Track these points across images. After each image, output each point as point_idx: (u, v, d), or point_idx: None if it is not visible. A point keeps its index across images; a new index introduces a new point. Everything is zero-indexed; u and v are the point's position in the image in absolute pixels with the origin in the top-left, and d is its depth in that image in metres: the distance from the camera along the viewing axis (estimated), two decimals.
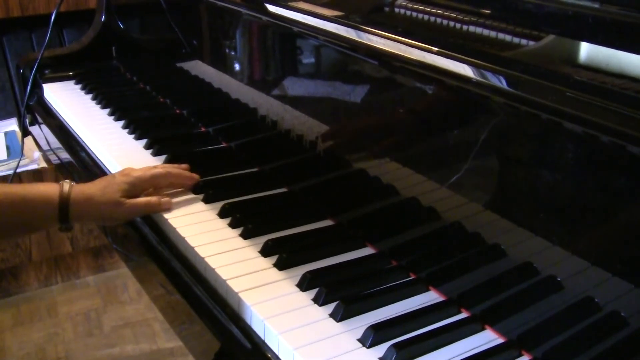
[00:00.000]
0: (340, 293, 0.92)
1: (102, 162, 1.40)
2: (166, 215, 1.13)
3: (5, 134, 2.58)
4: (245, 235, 1.07)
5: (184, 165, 1.26)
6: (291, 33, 1.19)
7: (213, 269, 0.98)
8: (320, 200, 1.17)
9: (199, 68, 1.59)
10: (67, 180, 1.12)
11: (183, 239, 1.06)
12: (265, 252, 1.02)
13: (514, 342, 0.84)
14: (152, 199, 1.15)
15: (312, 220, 1.12)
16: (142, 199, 1.15)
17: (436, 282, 0.95)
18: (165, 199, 1.16)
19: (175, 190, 1.21)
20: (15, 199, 1.07)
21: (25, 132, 1.91)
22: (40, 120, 1.76)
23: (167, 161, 1.33)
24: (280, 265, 0.99)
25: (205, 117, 1.54)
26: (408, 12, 1.05)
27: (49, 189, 1.10)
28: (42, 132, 1.76)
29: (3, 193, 1.07)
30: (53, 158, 1.72)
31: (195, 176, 1.23)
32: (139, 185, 1.16)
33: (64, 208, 1.09)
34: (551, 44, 0.86)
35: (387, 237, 1.04)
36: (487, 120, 0.87)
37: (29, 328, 2.45)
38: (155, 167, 1.23)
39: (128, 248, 1.29)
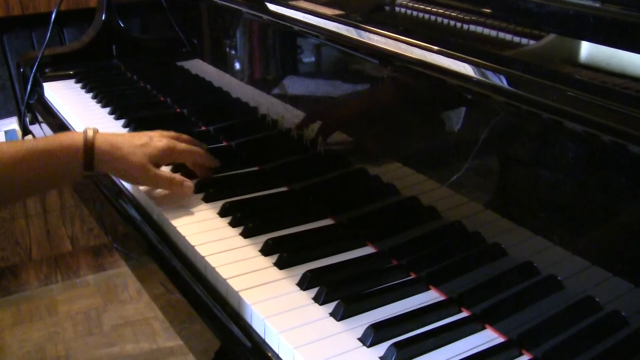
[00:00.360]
0: (341, 292, 0.92)
1: None
2: (166, 214, 1.12)
3: (6, 132, 2.58)
4: (245, 234, 1.07)
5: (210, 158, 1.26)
6: (292, 32, 1.19)
7: (213, 268, 0.98)
8: (321, 200, 1.17)
9: (200, 67, 1.59)
10: (91, 127, 1.11)
11: (183, 237, 1.06)
12: (265, 251, 1.02)
13: (515, 342, 0.84)
14: (177, 177, 1.16)
15: (312, 219, 1.12)
16: (167, 174, 1.15)
17: (436, 282, 0.95)
18: (188, 183, 1.16)
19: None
20: (38, 153, 1.06)
21: (26, 131, 1.91)
22: (40, 119, 1.76)
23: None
24: (280, 264, 0.99)
25: (205, 116, 1.54)
26: (409, 11, 1.05)
27: (73, 136, 1.09)
28: (42, 130, 1.76)
29: (25, 149, 1.06)
30: None
31: (216, 161, 1.24)
32: (170, 155, 1.16)
33: (88, 154, 1.08)
34: (552, 43, 0.86)
35: (388, 237, 1.04)
36: (487, 119, 0.87)
37: (29, 327, 2.46)
38: (191, 142, 1.23)
39: (128, 247, 1.29)
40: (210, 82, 1.53)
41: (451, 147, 0.95)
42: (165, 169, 1.20)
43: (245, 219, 1.09)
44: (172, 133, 1.22)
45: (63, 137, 1.11)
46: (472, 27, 0.94)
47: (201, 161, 1.23)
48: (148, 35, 1.99)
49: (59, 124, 1.65)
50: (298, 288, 0.94)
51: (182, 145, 1.19)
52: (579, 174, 0.78)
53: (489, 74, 0.83)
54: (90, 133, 1.09)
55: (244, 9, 1.33)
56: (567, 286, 0.81)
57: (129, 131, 1.50)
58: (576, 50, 0.83)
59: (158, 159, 1.15)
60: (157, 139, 1.16)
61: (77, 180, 1.15)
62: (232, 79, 1.44)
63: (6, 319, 2.49)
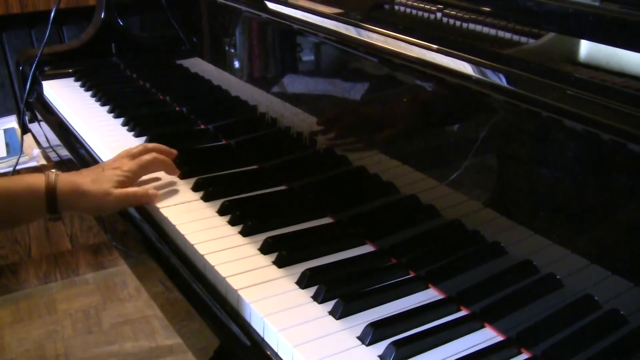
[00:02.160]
0: (340, 291, 0.92)
1: (101, 160, 1.40)
2: (166, 213, 1.12)
3: (5, 131, 2.58)
4: (244, 233, 1.07)
5: (166, 148, 1.26)
6: (291, 30, 1.19)
7: (212, 267, 0.98)
8: (320, 198, 1.17)
9: (199, 65, 1.59)
10: (53, 170, 1.11)
11: (182, 236, 1.06)
12: (264, 249, 1.02)
13: (514, 340, 0.84)
14: (139, 190, 1.16)
15: (311, 217, 1.12)
16: (130, 190, 1.15)
17: (436, 280, 0.95)
18: (153, 191, 1.17)
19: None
20: (5, 191, 1.07)
21: (25, 129, 1.91)
22: (39, 117, 1.76)
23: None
24: (279, 263, 0.99)
25: (204, 114, 1.54)
26: (408, 10, 1.05)
27: (35, 180, 1.09)
28: (41, 129, 1.76)
29: None
30: (52, 155, 1.72)
31: (174, 151, 1.25)
32: (131, 178, 1.16)
33: (51, 198, 1.08)
34: (551, 42, 0.86)
35: (387, 235, 1.04)
36: (487, 118, 0.87)
37: (28, 325, 2.45)
38: (142, 150, 1.22)
39: (127, 245, 1.29)
40: (209, 80, 1.53)
41: (450, 146, 0.95)
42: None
43: (245, 218, 1.09)
44: (134, 150, 1.22)
45: (26, 179, 1.11)
46: (472, 26, 0.94)
47: (163, 169, 1.23)
48: (147, 33, 1.99)
49: (58, 122, 1.65)
50: (297, 286, 0.94)
51: (140, 161, 1.18)
52: (578, 173, 0.78)
53: (489, 72, 0.83)
54: (52, 177, 1.09)
55: (243, 7, 1.33)
56: (566, 285, 0.81)
57: (128, 129, 1.50)
58: (576, 48, 0.83)
59: (121, 183, 1.14)
60: (112, 166, 1.17)
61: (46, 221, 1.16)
62: (231, 78, 1.44)
63: (5, 317, 2.49)
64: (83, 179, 1.13)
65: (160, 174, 1.25)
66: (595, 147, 0.75)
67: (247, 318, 0.91)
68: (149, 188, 1.18)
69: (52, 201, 1.08)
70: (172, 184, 1.23)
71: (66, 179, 1.11)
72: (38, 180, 1.09)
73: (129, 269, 1.41)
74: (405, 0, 1.06)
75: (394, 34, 0.97)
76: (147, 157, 1.20)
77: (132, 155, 1.20)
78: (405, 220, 1.03)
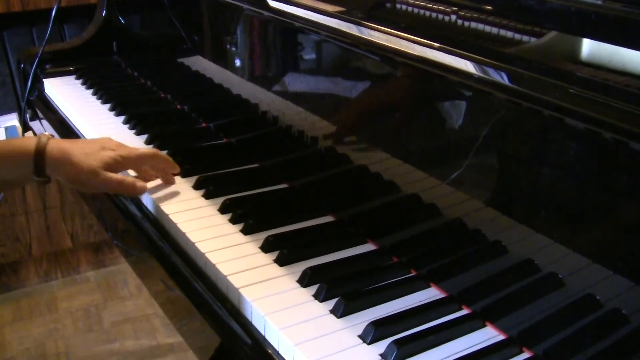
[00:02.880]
0: (341, 289, 0.92)
1: None
2: (167, 211, 1.12)
3: (6, 128, 2.58)
4: (245, 231, 1.07)
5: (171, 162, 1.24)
6: (292, 28, 1.19)
7: (213, 265, 0.98)
8: (321, 197, 1.17)
9: (200, 64, 1.59)
10: (46, 133, 1.11)
11: (183, 234, 1.06)
12: (265, 248, 1.02)
13: (515, 339, 0.84)
14: (128, 179, 1.15)
15: (312, 216, 1.12)
16: (117, 177, 1.13)
17: (437, 279, 0.95)
18: (140, 184, 1.16)
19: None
20: None
21: (26, 127, 1.91)
22: (40, 115, 1.76)
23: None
24: (280, 261, 0.99)
25: (206, 112, 1.54)
26: (410, 8, 1.05)
27: (25, 142, 1.09)
28: (42, 127, 1.76)
29: None
30: None
31: (177, 167, 1.23)
32: (122, 163, 1.15)
33: (39, 161, 1.08)
34: (553, 41, 0.85)
35: (388, 234, 1.04)
36: (488, 116, 0.87)
37: (28, 323, 2.46)
38: (145, 148, 1.22)
39: (128, 243, 1.29)
40: (210, 78, 1.53)
41: (452, 144, 0.94)
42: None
43: (246, 216, 1.09)
44: (131, 149, 1.21)
45: (16, 142, 1.11)
46: (474, 24, 0.94)
47: (161, 166, 1.22)
48: (148, 31, 1.99)
49: (59, 120, 1.64)
50: (298, 285, 0.94)
51: (139, 151, 1.18)
52: (580, 172, 0.78)
53: (490, 70, 0.83)
54: (43, 139, 1.09)
55: (244, 6, 1.33)
56: (568, 284, 0.81)
57: (129, 127, 1.50)
58: (578, 47, 0.82)
59: (113, 166, 1.13)
60: (110, 146, 1.15)
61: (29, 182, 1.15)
62: (232, 76, 1.44)
63: (6, 315, 2.50)
64: (75, 149, 1.12)
65: None
66: (597, 146, 0.75)
67: (248, 316, 0.90)
68: (137, 180, 1.16)
69: (39, 164, 1.08)
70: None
71: (57, 144, 1.10)
72: (29, 141, 1.09)
73: (130, 267, 1.41)
74: None
75: (395, 32, 0.97)
76: (147, 150, 1.20)
77: (136, 149, 1.20)
78: (407, 219, 1.03)
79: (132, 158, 1.17)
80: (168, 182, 1.22)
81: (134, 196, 1.16)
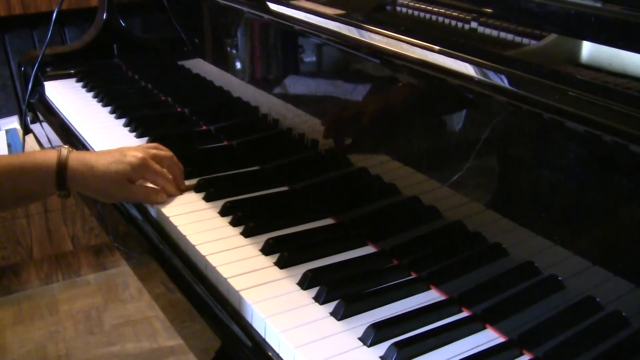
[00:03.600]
0: (341, 292, 0.92)
1: None
2: (167, 213, 1.12)
3: (7, 131, 2.58)
4: (246, 234, 1.07)
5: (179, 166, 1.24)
6: (293, 31, 1.19)
7: (214, 267, 0.98)
8: (322, 199, 1.17)
9: (201, 66, 1.59)
10: (65, 146, 1.11)
11: (184, 237, 1.06)
12: (266, 250, 1.02)
13: (515, 342, 0.84)
14: (150, 188, 1.15)
15: (313, 218, 1.12)
16: (140, 187, 1.14)
17: (437, 281, 0.95)
18: (162, 193, 1.16)
19: (183, 195, 1.20)
20: (12, 169, 1.07)
21: (27, 130, 1.91)
22: (41, 118, 1.76)
23: None
24: (281, 264, 0.99)
25: (206, 115, 1.54)
26: (410, 11, 1.05)
27: (46, 155, 1.09)
28: (43, 129, 1.76)
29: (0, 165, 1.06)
30: None
31: (177, 192, 1.21)
32: (144, 171, 1.15)
33: (61, 174, 1.08)
34: (553, 43, 0.86)
35: (389, 236, 1.04)
36: (488, 119, 0.87)
37: (29, 326, 2.46)
38: (159, 148, 1.22)
39: (129, 246, 1.29)
40: (211, 81, 1.53)
41: (452, 147, 0.95)
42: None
43: (246, 219, 1.09)
44: (150, 146, 1.20)
45: (37, 155, 1.11)
46: (474, 27, 0.94)
47: (173, 171, 1.21)
48: (149, 34, 1.99)
49: (59, 123, 1.65)
50: (299, 287, 0.94)
51: (155, 166, 1.17)
52: (580, 174, 0.78)
53: (491, 73, 0.83)
54: (64, 152, 1.09)
55: (245, 9, 1.33)
56: (568, 286, 0.81)
57: (129, 130, 1.50)
58: (578, 50, 0.82)
59: (132, 175, 1.13)
60: (131, 155, 1.14)
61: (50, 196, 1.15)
62: (233, 79, 1.44)
63: (7, 318, 2.50)
64: (97, 160, 1.12)
65: None
66: (597, 149, 0.75)
67: (249, 319, 0.91)
68: (158, 189, 1.16)
69: (61, 177, 1.08)
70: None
71: (78, 157, 1.10)
72: (50, 154, 1.09)
73: (131, 270, 1.41)
74: (407, 1, 1.06)
75: (395, 35, 0.97)
76: (162, 151, 1.20)
77: (147, 151, 1.19)
78: (407, 222, 1.03)
79: (154, 170, 1.15)
80: (171, 191, 1.20)
81: (158, 203, 1.15)
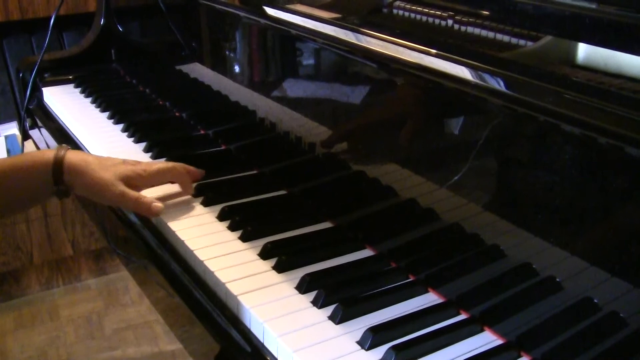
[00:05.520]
0: (339, 295, 0.92)
1: None
2: (165, 219, 1.13)
3: (6, 137, 2.59)
4: (244, 238, 1.07)
5: (193, 169, 1.24)
6: (289, 36, 1.19)
7: (212, 272, 0.98)
8: (319, 203, 1.17)
9: (198, 71, 1.59)
10: (64, 145, 1.11)
11: (182, 242, 1.06)
12: (264, 254, 1.02)
13: (514, 343, 0.84)
14: (145, 197, 1.11)
15: (311, 222, 1.12)
16: (134, 193, 1.11)
17: (435, 284, 0.95)
18: (156, 204, 1.11)
19: (181, 199, 1.20)
20: (8, 169, 1.07)
21: (26, 136, 1.92)
22: (40, 123, 1.76)
23: None
24: (279, 268, 0.99)
25: (204, 119, 1.54)
26: (406, 13, 1.05)
27: (43, 153, 1.10)
28: (42, 135, 1.76)
29: None
30: None
31: (192, 190, 1.21)
32: (143, 177, 1.14)
33: (57, 169, 1.08)
34: (549, 44, 0.86)
35: (386, 239, 1.04)
36: (485, 122, 0.87)
37: (30, 331, 2.46)
38: (162, 162, 1.22)
39: (128, 251, 1.29)
40: (209, 85, 1.54)
41: (449, 150, 0.95)
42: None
43: (244, 223, 1.10)
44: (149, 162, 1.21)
45: (35, 154, 1.12)
46: (470, 29, 0.94)
47: (178, 180, 1.20)
48: (147, 39, 1.99)
49: (58, 129, 1.65)
50: (297, 291, 0.94)
51: (157, 165, 1.17)
52: (576, 176, 0.78)
53: (487, 76, 0.83)
54: (62, 150, 1.10)
55: (242, 14, 1.33)
56: (566, 287, 0.81)
57: (127, 135, 1.50)
58: (573, 51, 0.83)
59: (130, 178, 1.12)
60: (129, 162, 1.15)
61: (50, 197, 1.14)
62: (230, 83, 1.44)
63: (8, 323, 2.50)
64: (95, 159, 1.12)
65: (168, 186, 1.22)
66: (593, 150, 0.75)
67: (247, 323, 0.91)
68: (155, 200, 1.12)
69: (58, 173, 1.08)
70: (171, 189, 1.23)
71: (76, 154, 1.11)
72: (47, 153, 1.10)
73: (131, 274, 1.41)
74: (403, 4, 1.06)
75: (392, 38, 0.97)
76: (166, 164, 1.19)
77: (154, 164, 1.19)
78: (405, 224, 1.03)
79: (151, 173, 1.15)
80: (187, 189, 1.20)
81: (149, 216, 1.13)
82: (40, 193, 1.14)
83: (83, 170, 1.10)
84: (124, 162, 1.15)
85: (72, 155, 1.10)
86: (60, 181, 1.09)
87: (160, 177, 1.18)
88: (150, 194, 1.16)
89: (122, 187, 1.10)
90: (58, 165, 1.08)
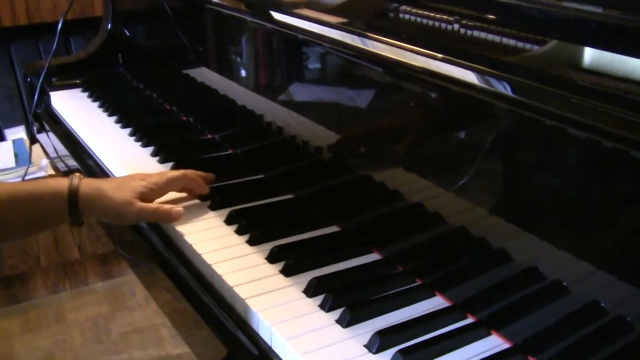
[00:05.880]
0: (347, 299, 0.92)
1: (109, 170, 1.41)
2: (173, 223, 1.13)
3: (13, 141, 2.60)
4: (251, 242, 1.07)
5: (203, 174, 1.24)
6: (296, 40, 1.19)
7: (220, 276, 0.99)
8: (326, 207, 1.17)
9: (205, 75, 1.60)
10: (77, 174, 1.12)
11: (190, 245, 1.07)
12: (271, 258, 1.03)
13: (520, 347, 0.84)
14: (164, 206, 1.13)
15: (318, 226, 1.12)
16: (152, 205, 1.13)
17: (442, 288, 0.95)
18: (177, 209, 1.13)
19: (188, 202, 1.20)
20: (24, 196, 1.08)
21: (33, 140, 1.93)
22: (47, 127, 1.77)
23: (173, 168, 1.33)
24: (286, 272, 0.99)
25: (211, 123, 1.55)
26: (412, 18, 1.05)
27: (58, 183, 1.10)
28: (49, 139, 1.77)
29: (11, 191, 1.07)
30: (60, 165, 1.73)
31: (207, 188, 1.22)
32: (155, 190, 1.15)
33: (73, 200, 1.08)
34: (555, 48, 0.86)
35: (393, 243, 1.04)
36: (491, 126, 0.87)
37: (37, 335, 2.46)
38: (171, 171, 1.22)
39: (135, 255, 1.29)
40: (215, 90, 1.54)
41: (456, 154, 0.95)
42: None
43: (252, 227, 1.10)
44: (160, 173, 1.21)
45: (50, 181, 1.12)
46: (476, 33, 0.94)
47: (191, 186, 1.21)
48: (154, 43, 2.00)
49: (65, 133, 1.66)
50: (304, 295, 0.95)
51: (168, 175, 1.18)
52: (582, 180, 0.78)
53: (493, 81, 0.84)
54: (75, 179, 1.10)
55: (248, 18, 1.34)
56: (573, 291, 0.81)
57: (135, 140, 1.50)
58: (579, 55, 0.83)
59: (144, 194, 1.13)
60: (139, 177, 1.16)
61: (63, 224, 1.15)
62: (237, 87, 1.44)
63: (15, 327, 2.50)
64: (107, 184, 1.13)
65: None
66: (598, 154, 0.75)
67: (255, 327, 0.91)
68: (173, 206, 1.14)
69: (73, 203, 1.09)
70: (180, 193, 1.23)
71: (89, 183, 1.11)
72: (61, 182, 1.10)
73: (137, 278, 1.41)
74: (409, 8, 1.06)
75: (398, 43, 0.97)
76: (175, 172, 1.20)
77: (164, 174, 1.20)
78: (412, 228, 1.03)
79: (163, 183, 1.16)
80: (201, 192, 1.21)
81: (172, 222, 1.14)
82: (54, 221, 1.16)
83: (99, 198, 1.10)
84: (133, 178, 1.16)
85: (86, 187, 1.10)
86: (76, 211, 1.10)
87: (172, 186, 1.19)
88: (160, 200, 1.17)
89: (139, 204, 1.11)
90: (73, 195, 1.09)
